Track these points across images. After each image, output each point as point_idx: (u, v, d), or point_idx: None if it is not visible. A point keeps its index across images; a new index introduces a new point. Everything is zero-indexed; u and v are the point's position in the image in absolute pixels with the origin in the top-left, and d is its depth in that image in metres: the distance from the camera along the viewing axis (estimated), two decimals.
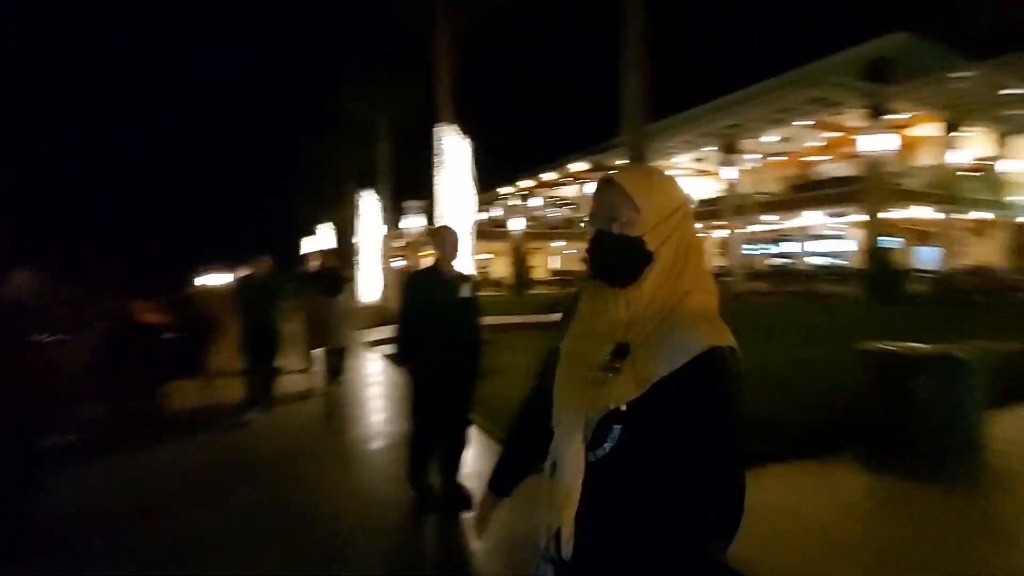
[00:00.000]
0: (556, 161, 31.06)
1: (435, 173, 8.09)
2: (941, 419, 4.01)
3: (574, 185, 33.62)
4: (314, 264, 6.78)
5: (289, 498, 3.70)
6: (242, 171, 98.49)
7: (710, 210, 24.42)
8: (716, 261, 26.34)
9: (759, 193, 24.61)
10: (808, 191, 23.03)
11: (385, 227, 13.60)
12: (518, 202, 34.03)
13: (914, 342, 4.41)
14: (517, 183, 33.34)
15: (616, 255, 0.96)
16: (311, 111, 42.31)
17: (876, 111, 18.18)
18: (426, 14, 9.48)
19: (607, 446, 0.91)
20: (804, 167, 26.40)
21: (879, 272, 16.82)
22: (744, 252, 26.07)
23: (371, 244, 13.29)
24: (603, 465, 0.91)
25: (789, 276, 23.29)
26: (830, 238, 26.02)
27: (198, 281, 29.24)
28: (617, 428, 0.89)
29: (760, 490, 3.30)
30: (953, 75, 17.52)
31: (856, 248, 26.18)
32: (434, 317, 3.13)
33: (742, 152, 23.87)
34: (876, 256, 17.55)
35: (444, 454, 3.32)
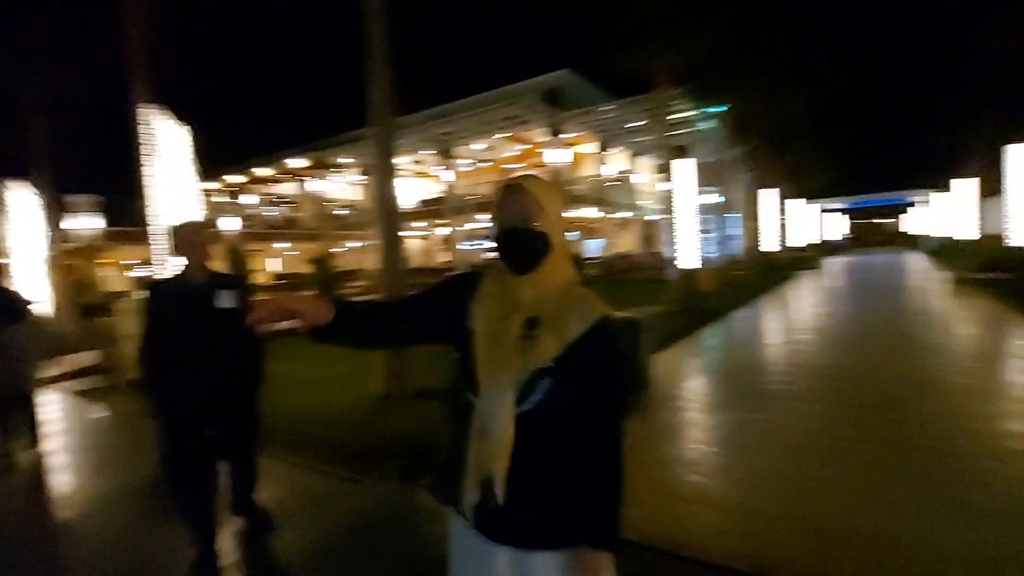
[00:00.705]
0: (271, 156, 28.52)
1: (142, 164, 6.83)
2: (634, 363, 5.62)
3: (293, 183, 31.42)
4: None
5: None
6: None
7: (432, 209, 26.21)
8: (441, 256, 28.45)
9: (472, 195, 27.54)
10: None
11: (48, 229, 10.52)
12: (226, 199, 30.02)
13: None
14: (223, 178, 29.37)
15: (528, 247, 1.18)
16: None
17: (554, 131, 22.44)
18: None
19: (534, 399, 1.12)
20: (505, 173, 30.64)
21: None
22: (464, 248, 28.83)
23: (29, 250, 10.14)
24: (529, 416, 1.12)
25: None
26: None
27: None
28: (545, 381, 1.12)
29: None
30: (602, 108, 22.92)
31: None
32: (186, 336, 2.51)
33: (457, 157, 26.33)
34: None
35: (233, 489, 2.91)
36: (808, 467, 3.53)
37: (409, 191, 33.24)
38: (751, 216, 23.04)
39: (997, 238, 15.47)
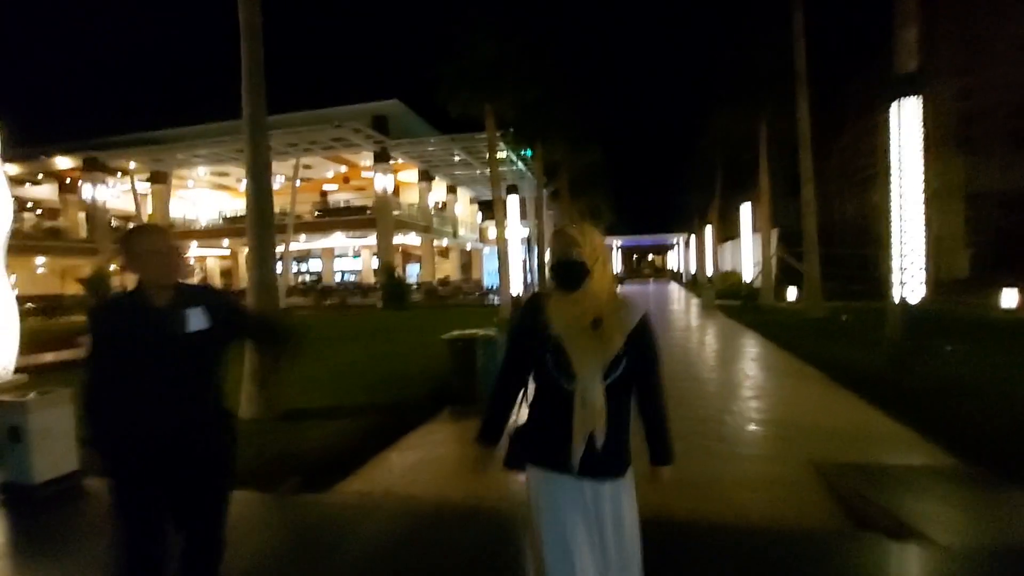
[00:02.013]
0: (26, 151, 22.96)
1: None
2: (484, 377, 6.36)
3: (54, 184, 25.68)
4: None
5: None
6: None
7: (238, 227, 23.96)
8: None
9: (284, 214, 25.95)
10: (332, 216, 26.05)
11: None
12: None
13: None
14: None
15: (570, 272, 1.62)
16: None
17: (381, 156, 22.70)
18: None
19: (615, 375, 1.55)
20: (324, 194, 29.58)
21: (391, 286, 21.21)
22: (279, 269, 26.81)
23: None
24: (612, 386, 1.55)
25: (322, 291, 25.68)
26: (349, 257, 30.16)
27: None
28: (622, 361, 1.55)
29: (421, 451, 4.63)
30: (427, 139, 23.95)
31: (364, 267, 31.35)
32: (141, 370, 1.94)
33: (275, 173, 24.64)
34: (387, 273, 21.97)
35: (192, 566, 2.16)
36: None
37: (209, 204, 29.75)
38: None
39: (732, 273, 20.43)
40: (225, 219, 26.07)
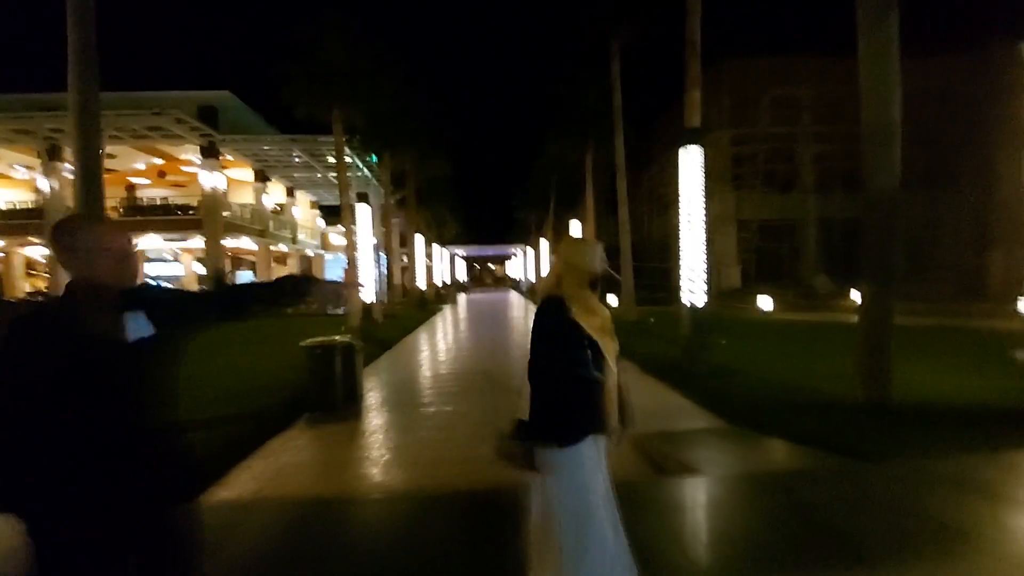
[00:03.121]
0: None
1: None
2: (346, 383, 6.54)
3: None
4: None
5: None
6: None
7: (22, 224, 19.84)
8: (38, 282, 21.49)
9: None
10: (147, 215, 22.83)
11: None
12: None
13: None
14: None
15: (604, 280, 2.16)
16: None
17: (209, 151, 20.67)
18: None
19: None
20: (131, 188, 25.74)
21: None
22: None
23: None
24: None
25: None
26: (165, 261, 26.59)
27: None
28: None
29: (285, 457, 4.74)
30: (264, 137, 22.42)
31: (184, 271, 27.98)
32: (78, 403, 1.46)
33: (66, 160, 20.78)
34: (216, 279, 20.04)
35: None
36: (473, 431, 5.37)
37: None
38: (402, 256, 26.33)
39: None
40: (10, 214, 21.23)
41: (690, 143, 7.73)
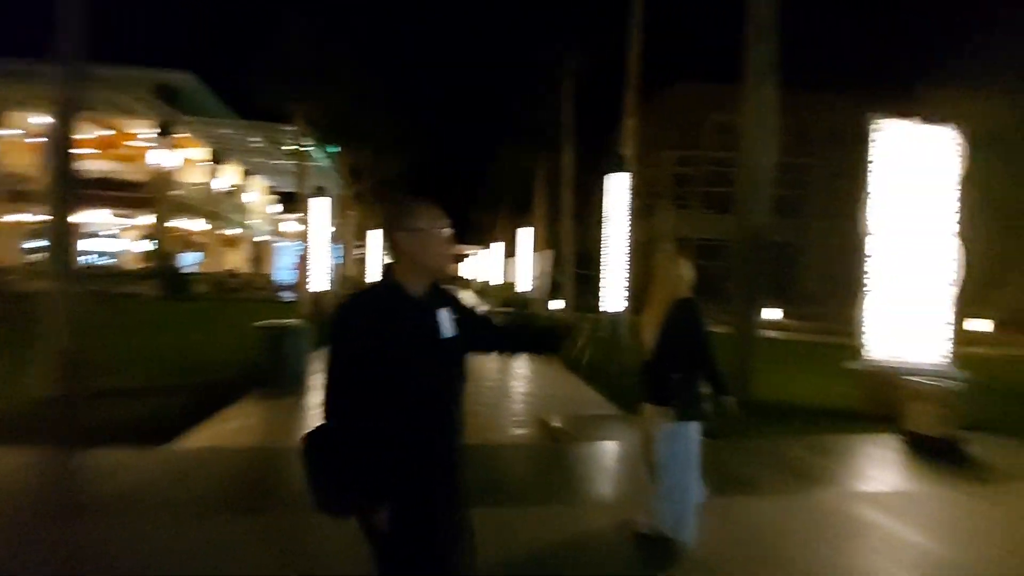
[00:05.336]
0: None
1: None
2: (292, 363, 7.17)
3: None
4: None
5: None
6: None
7: None
8: None
9: (25, 179, 21.37)
10: (91, 189, 22.19)
11: None
12: None
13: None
14: None
15: None
16: None
17: (164, 130, 20.49)
18: None
19: None
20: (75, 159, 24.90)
21: (170, 274, 19.30)
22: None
23: None
24: None
25: (82, 275, 21.64)
26: (105, 237, 25.82)
27: None
28: None
29: (237, 422, 5.45)
30: (224, 121, 22.34)
31: (130, 249, 27.24)
32: (423, 365, 1.60)
33: (6, 126, 20.09)
34: (165, 259, 19.91)
35: None
36: None
37: None
38: (358, 249, 26.62)
39: (509, 285, 23.62)
40: None
41: (617, 170, 8.81)
